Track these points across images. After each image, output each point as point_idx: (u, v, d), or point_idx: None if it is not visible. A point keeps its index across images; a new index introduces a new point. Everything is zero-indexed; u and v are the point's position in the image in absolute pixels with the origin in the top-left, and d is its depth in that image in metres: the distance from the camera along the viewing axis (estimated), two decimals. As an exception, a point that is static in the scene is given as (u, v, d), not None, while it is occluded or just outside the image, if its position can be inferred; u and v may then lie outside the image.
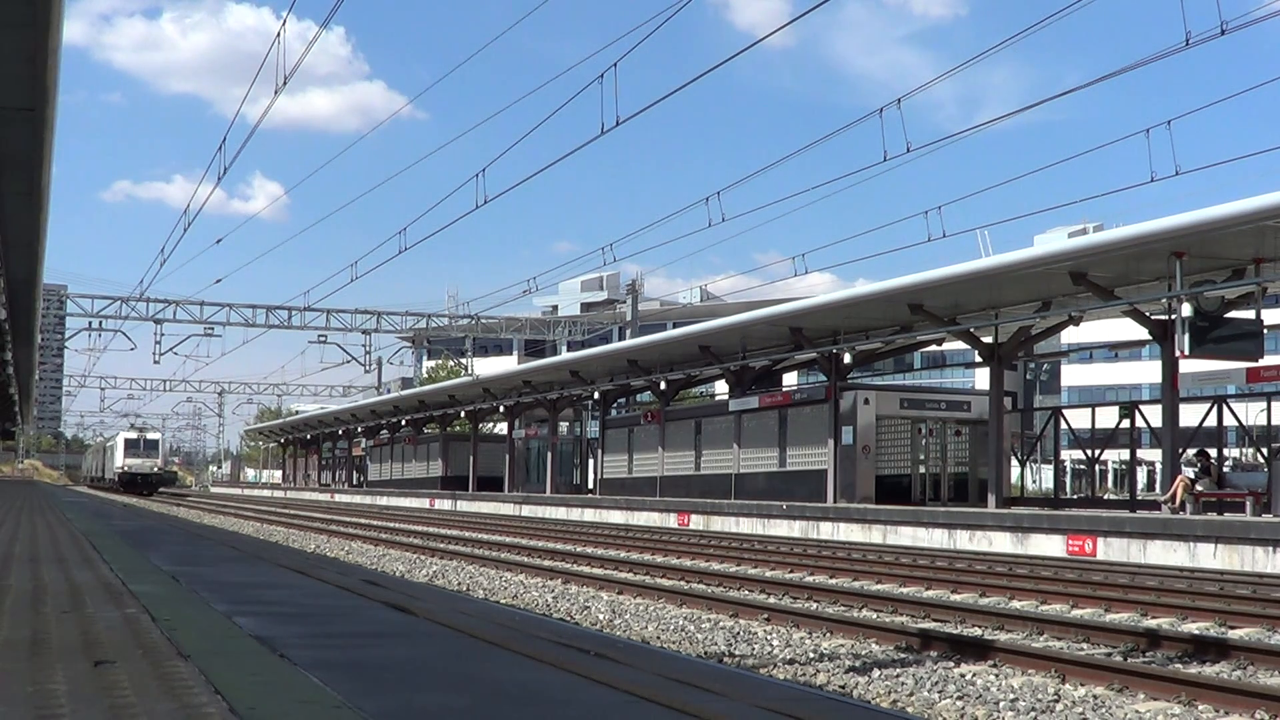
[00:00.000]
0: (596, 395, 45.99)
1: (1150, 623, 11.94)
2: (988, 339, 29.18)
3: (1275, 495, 22.52)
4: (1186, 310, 21.83)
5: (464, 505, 51.51)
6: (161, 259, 49.19)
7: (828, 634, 10.60)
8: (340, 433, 79.42)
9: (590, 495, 45.53)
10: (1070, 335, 39.53)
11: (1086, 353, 68.29)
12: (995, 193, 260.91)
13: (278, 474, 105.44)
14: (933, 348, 39.85)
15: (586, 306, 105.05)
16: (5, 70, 12.79)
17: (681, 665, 7.10)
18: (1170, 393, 24.60)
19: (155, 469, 74.90)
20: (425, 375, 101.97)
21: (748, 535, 30.24)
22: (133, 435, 76.10)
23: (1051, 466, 38.19)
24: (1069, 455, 40.10)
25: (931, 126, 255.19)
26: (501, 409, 53.25)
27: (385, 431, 71.93)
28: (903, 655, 9.37)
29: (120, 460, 74.19)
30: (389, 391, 78.07)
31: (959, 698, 7.77)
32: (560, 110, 18.48)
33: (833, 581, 16.43)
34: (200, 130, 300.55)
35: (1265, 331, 22.90)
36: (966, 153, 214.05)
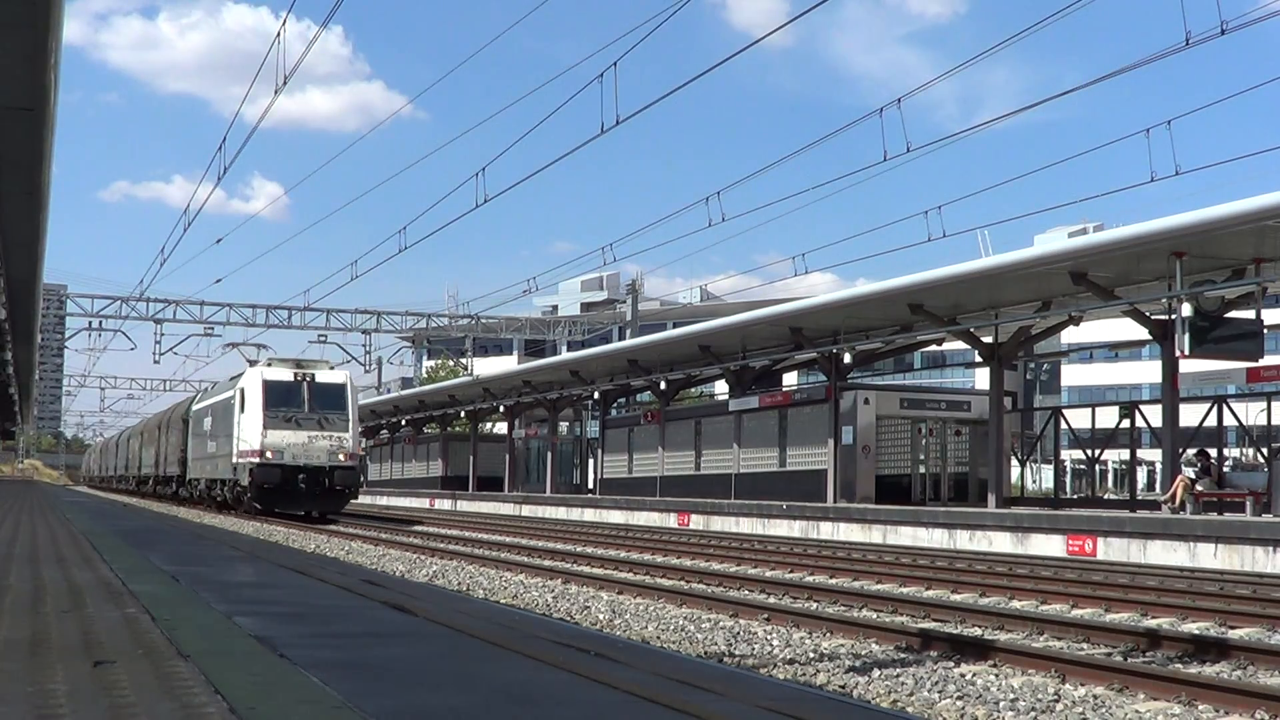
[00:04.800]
0: (596, 395, 45.99)
1: (1150, 623, 11.93)
2: (988, 339, 29.17)
3: (1275, 495, 22.53)
4: (1186, 310, 21.84)
5: (464, 505, 51.51)
6: (161, 259, 49.25)
7: (828, 634, 10.60)
8: (340, 433, 79.19)
9: (590, 495, 45.53)
10: (1070, 335, 39.50)
11: (1086, 353, 68.30)
12: (995, 193, 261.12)
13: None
14: (933, 348, 39.85)
15: (586, 306, 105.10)
16: (5, 70, 12.80)
17: (681, 665, 7.10)
18: (1170, 393, 24.60)
19: (343, 457, 33.72)
20: (425, 375, 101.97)
21: (748, 535, 30.24)
22: (284, 374, 34.48)
23: (1051, 466, 38.19)
24: (1069, 455, 40.10)
25: (931, 126, 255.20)
26: (501, 409, 53.25)
27: (385, 431, 71.93)
28: (903, 655, 9.37)
29: (257, 436, 33.31)
30: (389, 391, 77.99)
31: (959, 698, 7.76)
32: (560, 110, 18.50)
33: (833, 581, 16.43)
34: (199, 130, 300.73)
35: (1265, 331, 22.91)
36: (966, 153, 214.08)
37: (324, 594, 10.17)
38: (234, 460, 34.36)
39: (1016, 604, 13.63)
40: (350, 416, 34.26)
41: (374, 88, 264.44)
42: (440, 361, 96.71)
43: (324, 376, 34.77)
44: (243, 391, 34.17)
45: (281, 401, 33.46)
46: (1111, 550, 21.64)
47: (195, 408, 43.55)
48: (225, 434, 35.89)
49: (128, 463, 66.27)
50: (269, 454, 32.82)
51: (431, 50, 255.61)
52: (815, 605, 13.13)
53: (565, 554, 21.24)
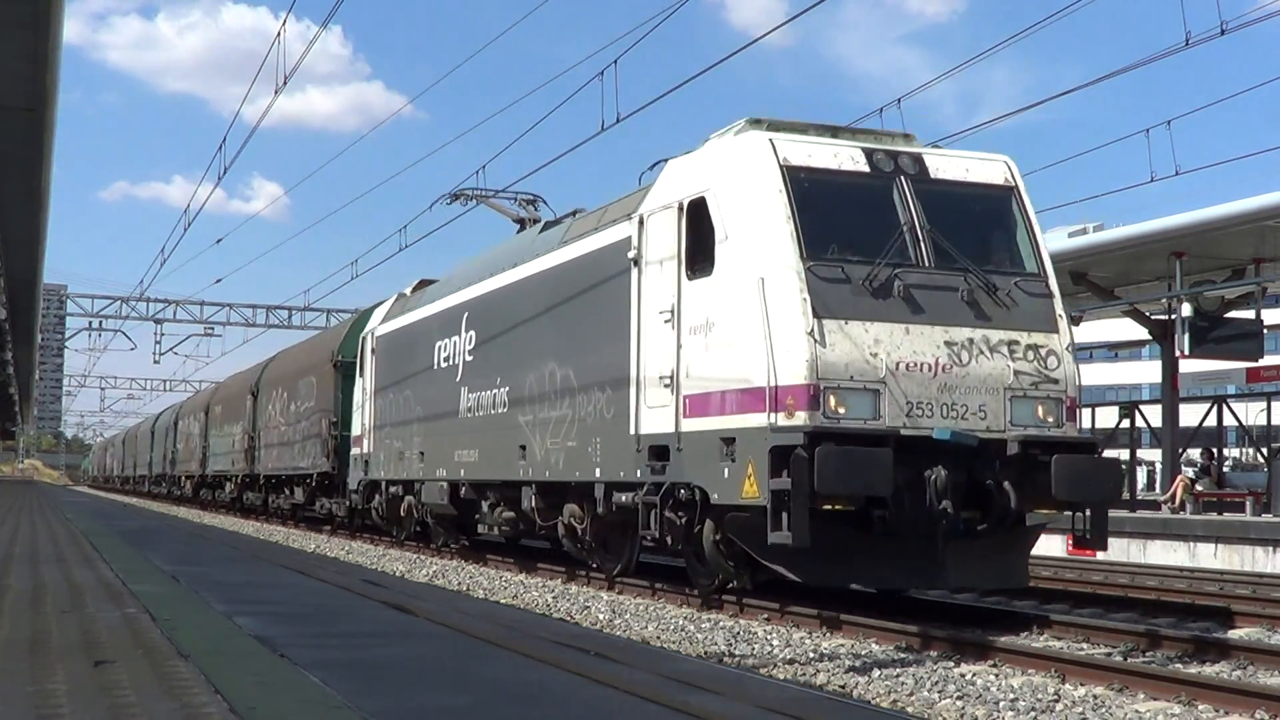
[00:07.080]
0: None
1: (1150, 623, 11.92)
2: (988, 339, 29.12)
3: (1275, 495, 22.53)
4: (1186, 310, 21.86)
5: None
6: (161, 259, 49.23)
7: (828, 634, 10.59)
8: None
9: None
10: (1070, 335, 39.48)
11: (1086, 353, 68.19)
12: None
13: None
14: (933, 348, 39.78)
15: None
16: (5, 70, 12.82)
17: (681, 665, 7.10)
18: (1170, 393, 24.60)
19: (1045, 414, 10.14)
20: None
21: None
22: (835, 153, 10.30)
23: (1051, 466, 38.13)
24: (1069, 455, 40.05)
25: (931, 126, 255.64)
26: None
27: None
28: (903, 655, 9.37)
29: (793, 339, 9.44)
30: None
31: (959, 697, 7.76)
32: (560, 108, 18.46)
33: (833, 581, 16.38)
34: (198, 130, 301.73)
35: (1265, 331, 22.92)
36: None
37: (324, 594, 10.18)
38: (640, 430, 11.66)
39: (1017, 604, 13.61)
40: (1050, 281, 12.03)
41: (374, 88, 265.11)
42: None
43: (947, 165, 11.38)
44: (696, 209, 10.84)
45: (847, 236, 10.47)
46: (1111, 550, 21.60)
47: (384, 329, 20.58)
48: (603, 365, 12.45)
49: (174, 457, 44.68)
50: (834, 401, 9.76)
51: (431, 50, 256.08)
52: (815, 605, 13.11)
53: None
